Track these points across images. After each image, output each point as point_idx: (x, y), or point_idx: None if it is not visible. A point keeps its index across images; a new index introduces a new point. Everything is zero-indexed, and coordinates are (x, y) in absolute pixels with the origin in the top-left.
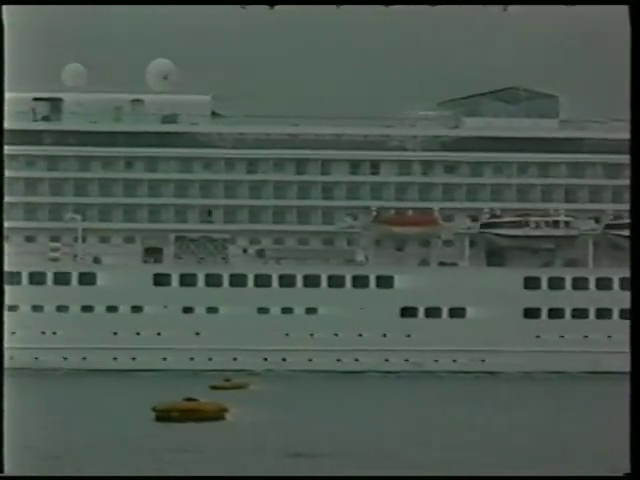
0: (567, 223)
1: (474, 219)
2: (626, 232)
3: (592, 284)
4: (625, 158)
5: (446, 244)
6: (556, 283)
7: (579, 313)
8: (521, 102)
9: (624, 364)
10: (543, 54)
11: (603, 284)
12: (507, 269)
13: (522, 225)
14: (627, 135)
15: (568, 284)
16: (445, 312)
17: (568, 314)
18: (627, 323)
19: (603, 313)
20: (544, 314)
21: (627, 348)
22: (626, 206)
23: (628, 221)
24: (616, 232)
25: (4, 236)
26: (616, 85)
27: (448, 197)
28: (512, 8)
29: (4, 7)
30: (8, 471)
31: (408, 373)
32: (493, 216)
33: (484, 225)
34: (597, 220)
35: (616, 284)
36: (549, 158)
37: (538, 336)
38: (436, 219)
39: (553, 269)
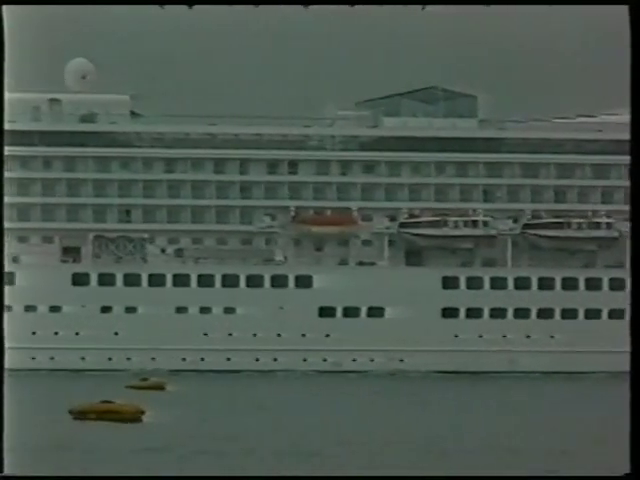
0: (485, 223)
1: (393, 219)
2: (544, 232)
3: (510, 284)
4: (544, 157)
5: (365, 244)
6: (474, 283)
7: (497, 313)
8: (440, 102)
9: (541, 363)
10: (461, 54)
11: (521, 284)
12: (425, 269)
13: (440, 225)
14: (546, 134)
15: (486, 284)
16: (364, 312)
17: (486, 314)
18: (545, 322)
19: (521, 313)
20: (462, 314)
21: (544, 347)
22: (544, 205)
23: (546, 221)
24: (534, 232)
25: (3, 236)
26: (535, 85)
27: (367, 197)
28: (431, 8)
29: (4, 7)
30: (8, 471)
31: (327, 372)
32: (411, 216)
33: (402, 225)
34: (515, 220)
35: (534, 284)
36: (467, 158)
37: (456, 335)
38: (355, 219)
39: (471, 269)
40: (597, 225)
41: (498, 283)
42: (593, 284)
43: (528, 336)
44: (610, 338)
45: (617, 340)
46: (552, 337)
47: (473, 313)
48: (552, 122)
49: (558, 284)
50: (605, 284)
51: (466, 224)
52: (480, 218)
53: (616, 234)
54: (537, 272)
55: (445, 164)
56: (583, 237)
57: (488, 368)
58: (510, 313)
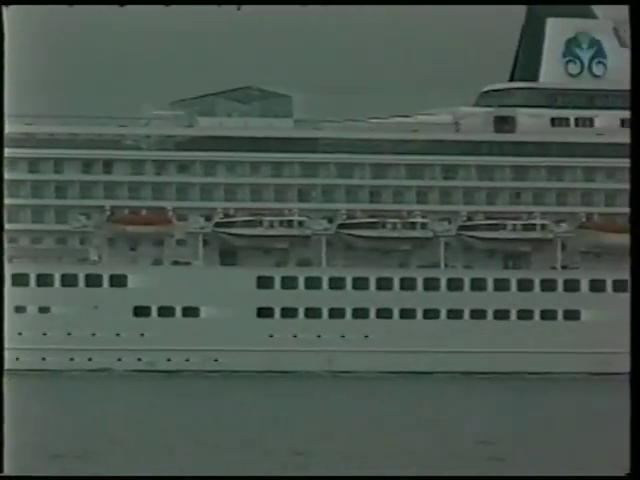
0: (300, 223)
1: (208, 218)
2: (359, 232)
3: (325, 284)
4: (359, 158)
5: (179, 243)
6: (289, 283)
7: (312, 312)
8: (255, 102)
9: (356, 363)
10: (277, 53)
11: (336, 284)
12: (240, 268)
13: (255, 225)
14: (361, 134)
15: (301, 284)
16: (178, 311)
17: (301, 313)
18: (360, 322)
19: (336, 312)
20: (277, 313)
21: (359, 347)
22: (359, 205)
23: (361, 220)
24: (349, 232)
25: (3, 236)
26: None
27: (182, 196)
28: (247, 8)
29: (4, 7)
30: (8, 471)
31: (141, 372)
32: (226, 215)
33: (217, 224)
34: (330, 220)
35: (349, 284)
36: (283, 158)
37: (271, 335)
38: (169, 218)
39: (286, 269)
40: (412, 225)
41: (313, 283)
42: (407, 284)
43: (343, 336)
44: (425, 338)
45: (432, 340)
46: (367, 337)
47: (288, 313)
48: (367, 122)
49: (373, 284)
50: (420, 284)
51: (281, 224)
52: (295, 218)
53: (430, 234)
54: (352, 272)
55: (260, 164)
56: (398, 237)
57: (304, 368)
58: (325, 313)
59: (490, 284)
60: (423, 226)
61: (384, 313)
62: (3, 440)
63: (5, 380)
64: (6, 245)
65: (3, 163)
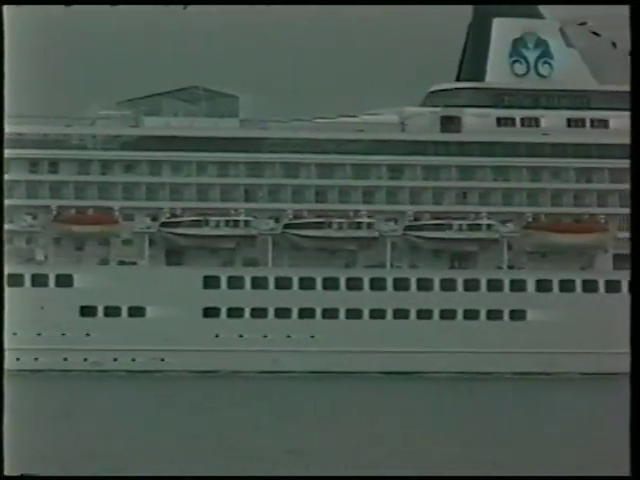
0: (247, 223)
1: (154, 218)
2: (305, 232)
3: (271, 284)
4: (305, 157)
5: (126, 243)
6: (235, 282)
7: (258, 312)
8: (201, 101)
9: (302, 363)
10: (223, 54)
11: (282, 283)
12: (186, 268)
13: (201, 224)
14: (307, 134)
15: (247, 284)
16: (124, 311)
17: (247, 313)
18: (306, 322)
19: (282, 312)
20: (223, 313)
21: (305, 347)
22: (306, 205)
23: (307, 220)
24: (295, 232)
25: (3, 236)
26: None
27: (128, 196)
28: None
29: (4, 7)
30: (8, 471)
31: (89, 372)
32: (173, 215)
33: (164, 224)
34: (277, 220)
35: (295, 283)
36: (229, 157)
37: (217, 335)
38: (116, 218)
39: (233, 269)
40: (358, 225)
41: (259, 283)
42: (354, 284)
43: (289, 336)
44: (371, 338)
45: (379, 340)
46: (313, 337)
47: (234, 313)
48: (313, 122)
49: (319, 284)
50: (366, 284)
51: (227, 224)
52: (241, 218)
53: (376, 234)
54: (298, 272)
55: (206, 164)
56: (344, 237)
57: (250, 368)
58: (271, 313)
59: (436, 284)
60: (369, 226)
61: (330, 313)
62: (3, 440)
63: (5, 380)
64: None
65: (3, 163)
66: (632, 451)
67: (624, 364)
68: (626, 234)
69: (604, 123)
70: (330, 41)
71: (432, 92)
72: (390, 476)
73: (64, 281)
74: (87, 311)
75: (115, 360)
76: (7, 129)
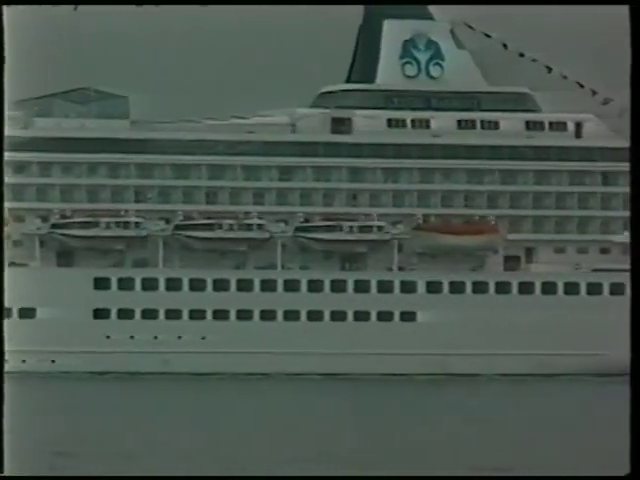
0: (137, 224)
1: (44, 219)
2: (195, 233)
3: (162, 285)
4: (195, 159)
5: (16, 244)
6: (126, 284)
7: (149, 314)
8: (92, 103)
9: (192, 364)
10: (113, 55)
11: (173, 285)
12: (77, 269)
13: (92, 226)
14: (198, 135)
15: (138, 285)
16: (15, 313)
17: (138, 314)
18: (196, 323)
19: (173, 313)
20: (114, 314)
21: (195, 348)
22: (196, 207)
23: (197, 222)
24: (186, 233)
25: (3, 236)
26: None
27: (18, 197)
28: (83, 8)
29: (4, 7)
30: (8, 471)
31: None
32: (63, 217)
33: (54, 225)
34: (167, 221)
35: (186, 285)
36: (119, 159)
37: (108, 337)
38: (7, 220)
39: (123, 270)
40: (248, 226)
41: (150, 284)
42: (244, 285)
43: (180, 337)
44: (262, 339)
45: (269, 341)
46: (204, 338)
47: (125, 314)
48: (204, 123)
49: (209, 285)
50: (256, 285)
51: (118, 225)
52: (132, 219)
53: (267, 235)
54: (188, 273)
55: (97, 165)
56: (234, 238)
57: (140, 369)
58: (162, 314)
59: (327, 285)
60: (260, 227)
61: (221, 314)
62: (3, 440)
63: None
64: None
65: (3, 165)
66: (632, 450)
67: (514, 365)
68: (516, 236)
69: (494, 124)
70: (222, 42)
71: (323, 93)
72: (389, 476)
73: None
74: None
75: (5, 361)
76: None
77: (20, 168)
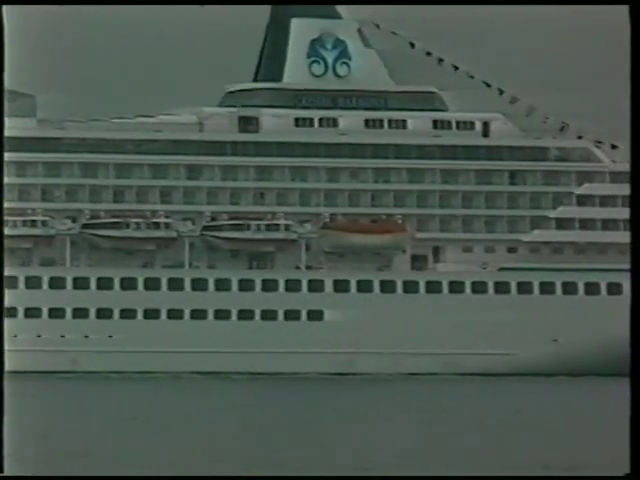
0: (44, 223)
1: None
2: (102, 232)
3: (69, 284)
4: (103, 157)
5: None
6: (33, 282)
7: (56, 312)
8: None
9: (99, 364)
10: (20, 53)
11: (80, 284)
12: None
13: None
14: (104, 134)
15: (45, 284)
16: None
17: (45, 313)
18: (103, 323)
19: (80, 312)
20: (21, 314)
21: (102, 347)
22: (103, 205)
23: (105, 221)
24: (93, 232)
25: (3, 237)
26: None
27: None
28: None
29: (4, 7)
30: (8, 471)
31: None
32: None
33: None
34: (74, 220)
35: (93, 284)
36: (26, 158)
37: (15, 335)
38: None
39: (30, 268)
40: (156, 225)
41: (57, 283)
42: (152, 284)
43: (87, 336)
44: (169, 338)
45: (176, 340)
46: (110, 337)
47: (31, 313)
48: (111, 122)
49: (117, 284)
50: (164, 284)
51: (25, 224)
52: (39, 218)
53: (174, 234)
54: (96, 272)
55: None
56: (141, 237)
57: (48, 368)
58: (69, 313)
59: (234, 284)
60: (167, 226)
61: (128, 313)
62: (3, 440)
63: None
64: None
65: (3, 165)
66: (632, 450)
67: (421, 364)
68: (423, 235)
69: (402, 123)
70: (130, 41)
71: (230, 92)
72: (389, 476)
73: None
74: None
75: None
76: None
77: None
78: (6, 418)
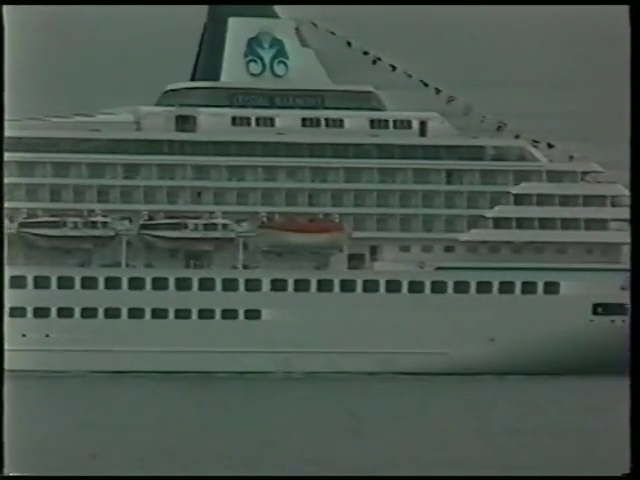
0: None
1: None
2: (40, 231)
3: (6, 283)
4: (40, 157)
5: None
6: None
7: (16, 312)
8: None
9: (37, 362)
10: None
11: (17, 283)
12: None
13: None
14: (41, 133)
15: None
16: None
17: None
18: (40, 321)
19: (17, 312)
20: None
21: (39, 346)
22: (40, 204)
23: (41, 220)
24: (31, 231)
25: (3, 237)
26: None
27: None
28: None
29: (4, 7)
30: (8, 471)
31: None
32: None
33: None
34: (11, 219)
35: (30, 283)
36: None
37: None
38: None
39: None
40: (93, 224)
41: (16, 282)
42: (88, 283)
43: (24, 335)
44: (106, 336)
45: (114, 338)
46: (48, 336)
47: None
48: (48, 121)
49: (54, 283)
50: (101, 283)
51: None
52: None
53: (111, 233)
54: (33, 271)
55: None
56: (79, 236)
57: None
58: (30, 313)
59: (172, 283)
60: (104, 225)
61: (65, 312)
62: (3, 440)
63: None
64: None
65: (3, 165)
66: (632, 450)
67: (358, 363)
68: (361, 234)
69: (339, 122)
70: (71, 41)
71: (167, 91)
72: (390, 476)
73: None
74: None
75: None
76: None
77: None
78: (6, 418)
